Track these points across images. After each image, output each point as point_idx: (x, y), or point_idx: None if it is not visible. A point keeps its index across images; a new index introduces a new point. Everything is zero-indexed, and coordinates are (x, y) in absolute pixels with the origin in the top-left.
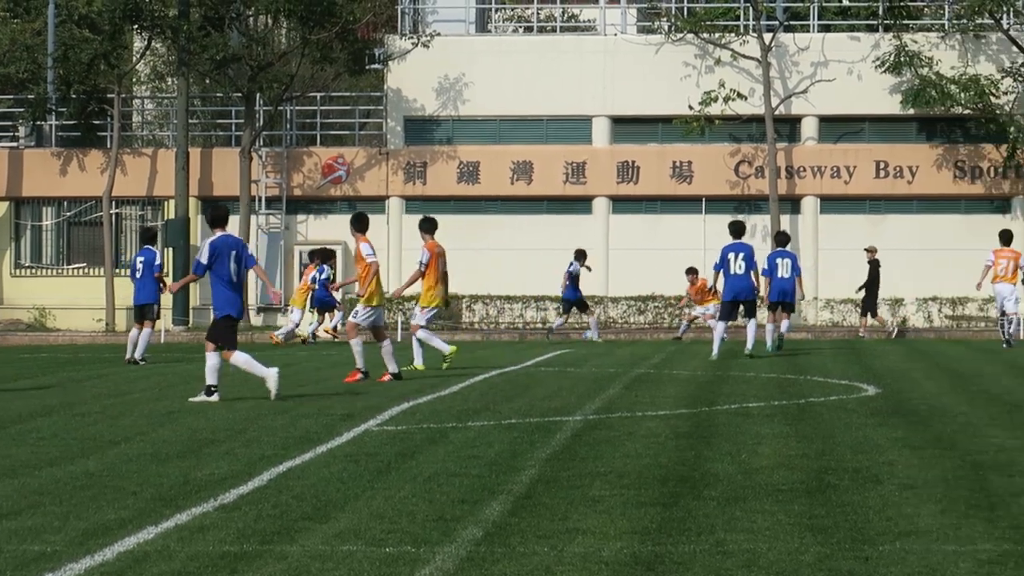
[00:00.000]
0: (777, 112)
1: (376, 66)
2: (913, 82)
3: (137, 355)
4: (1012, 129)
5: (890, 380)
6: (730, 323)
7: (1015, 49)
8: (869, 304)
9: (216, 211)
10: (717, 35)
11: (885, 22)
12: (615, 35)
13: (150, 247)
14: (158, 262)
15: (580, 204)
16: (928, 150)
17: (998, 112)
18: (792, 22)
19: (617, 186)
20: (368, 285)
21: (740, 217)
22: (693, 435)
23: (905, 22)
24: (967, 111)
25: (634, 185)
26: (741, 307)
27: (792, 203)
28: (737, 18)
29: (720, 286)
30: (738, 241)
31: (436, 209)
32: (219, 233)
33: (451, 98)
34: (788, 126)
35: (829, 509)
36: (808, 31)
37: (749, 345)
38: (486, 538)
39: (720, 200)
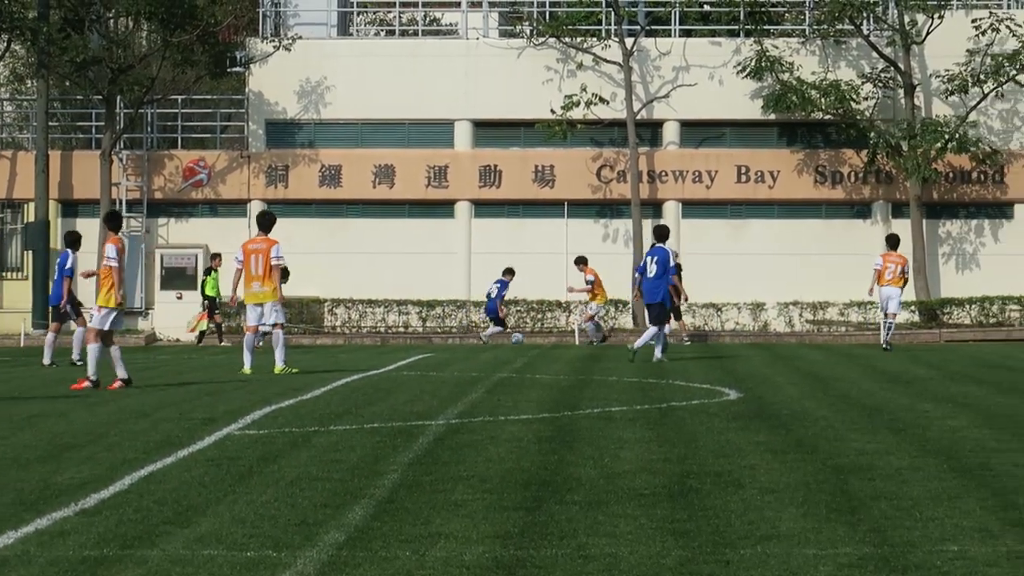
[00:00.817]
0: (639, 117)
1: (237, 69)
2: (774, 87)
3: (74, 356)
4: (872, 135)
5: (752, 384)
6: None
7: (875, 55)
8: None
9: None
10: (579, 39)
11: (746, 27)
12: (477, 39)
13: (68, 250)
14: (69, 265)
15: (442, 208)
16: (789, 155)
17: (858, 118)
18: (654, 27)
19: (479, 190)
20: (106, 287)
21: (602, 221)
22: (556, 439)
23: (766, 27)
24: (828, 116)
25: (496, 189)
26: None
27: (654, 207)
28: (599, 22)
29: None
30: (659, 245)
31: (298, 212)
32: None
33: (313, 101)
34: (650, 131)
35: (691, 513)
36: (670, 36)
37: (636, 345)
38: (348, 542)
39: (582, 204)
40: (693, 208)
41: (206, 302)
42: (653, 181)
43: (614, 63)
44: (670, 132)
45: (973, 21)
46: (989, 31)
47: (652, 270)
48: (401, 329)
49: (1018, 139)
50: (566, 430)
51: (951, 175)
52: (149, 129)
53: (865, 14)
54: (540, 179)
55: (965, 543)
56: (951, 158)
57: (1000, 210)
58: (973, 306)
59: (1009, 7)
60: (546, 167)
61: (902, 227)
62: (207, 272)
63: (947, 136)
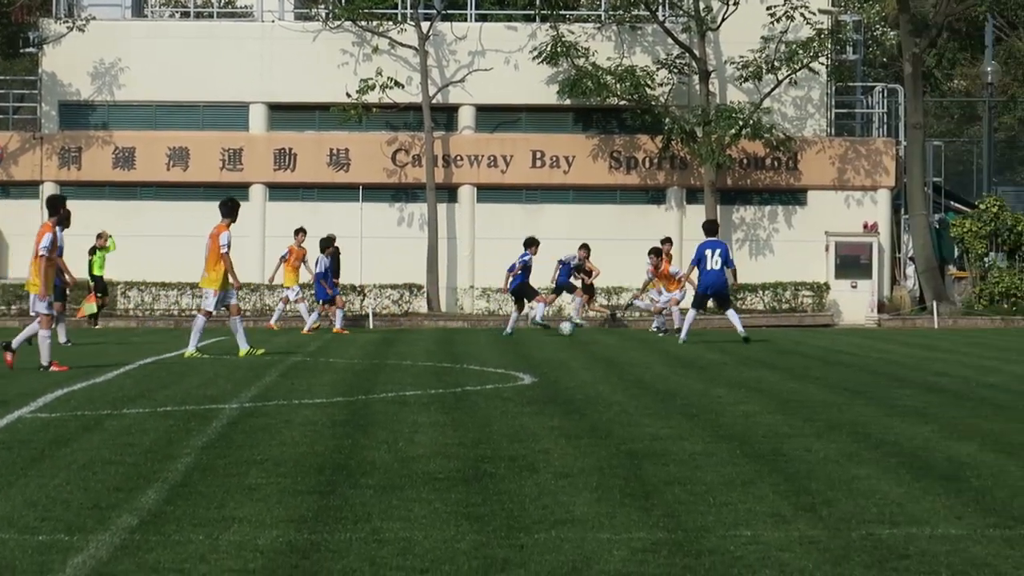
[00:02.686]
0: (434, 101)
1: (30, 50)
2: (570, 72)
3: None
4: (667, 120)
5: (546, 369)
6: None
7: (670, 41)
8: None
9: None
10: (375, 23)
11: (542, 12)
12: (272, 21)
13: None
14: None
15: (237, 191)
16: (584, 140)
17: (653, 103)
18: (450, 11)
19: (274, 173)
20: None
21: (397, 205)
22: (350, 423)
23: (562, 12)
24: (623, 102)
25: (291, 172)
26: (711, 300)
27: (449, 192)
28: (395, 6)
29: (694, 279)
30: (713, 238)
31: (92, 195)
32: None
33: (107, 83)
34: (446, 115)
35: (485, 497)
36: (466, 20)
37: (740, 330)
38: (141, 526)
39: (377, 188)
40: (488, 192)
41: (93, 283)
42: (448, 165)
43: (410, 47)
44: (466, 116)
45: (768, 8)
46: (783, 18)
47: (716, 262)
48: (195, 312)
49: (811, 126)
50: (360, 414)
51: (745, 161)
52: None
53: (661, 0)
54: (335, 163)
55: (758, 528)
56: (745, 144)
57: (793, 196)
58: (767, 292)
59: None
60: (341, 151)
61: (696, 213)
62: (92, 251)
63: (741, 123)
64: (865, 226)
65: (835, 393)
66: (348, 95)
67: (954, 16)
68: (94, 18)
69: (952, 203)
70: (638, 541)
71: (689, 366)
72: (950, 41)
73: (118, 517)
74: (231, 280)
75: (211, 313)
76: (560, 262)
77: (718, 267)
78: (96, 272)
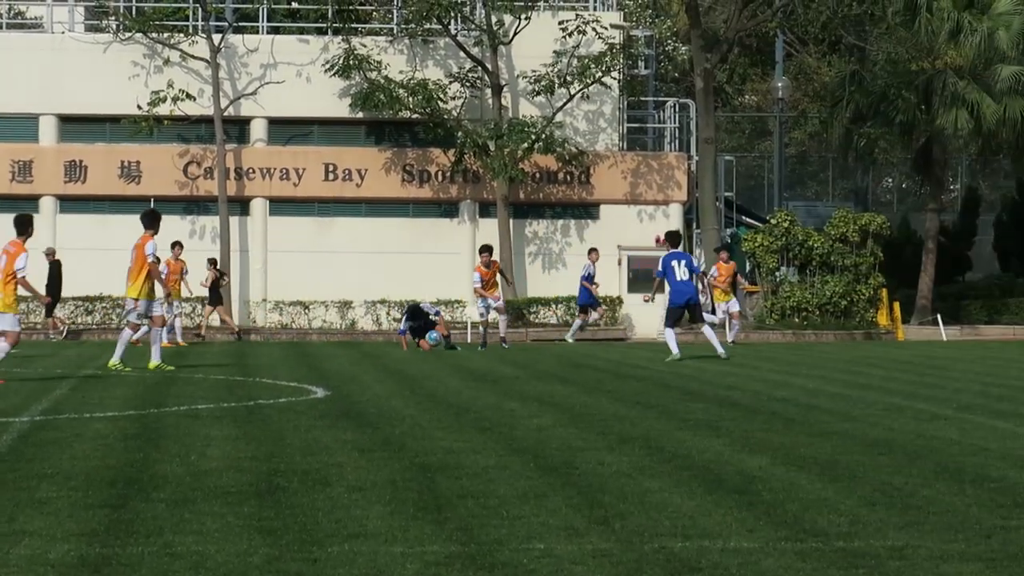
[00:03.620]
0: (226, 113)
1: None
2: (362, 86)
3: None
4: (460, 134)
5: (339, 383)
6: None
7: (463, 55)
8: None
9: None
10: (166, 35)
11: (334, 25)
12: (63, 32)
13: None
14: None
15: (27, 204)
16: (377, 154)
17: (446, 117)
18: (242, 23)
19: (64, 185)
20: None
21: (190, 218)
22: (142, 436)
23: (354, 26)
24: (415, 115)
25: (82, 184)
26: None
27: (242, 204)
28: (187, 18)
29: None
30: (677, 250)
31: None
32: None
33: None
34: (238, 128)
35: (278, 511)
36: (258, 32)
37: (720, 349)
38: None
39: (170, 200)
40: (280, 205)
41: None
42: (240, 178)
43: (201, 59)
44: (258, 129)
45: (560, 23)
46: (576, 33)
47: (682, 274)
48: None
49: (604, 140)
50: (152, 427)
51: (538, 175)
52: None
53: (453, 14)
54: (127, 175)
55: (551, 541)
56: (538, 158)
57: (586, 210)
58: (559, 305)
59: (596, 9)
60: (133, 163)
61: (489, 226)
62: None
63: (534, 136)
64: (657, 240)
65: (627, 406)
66: (139, 107)
67: (745, 32)
68: None
69: (744, 217)
70: (431, 554)
71: (482, 379)
72: (741, 56)
73: None
74: (157, 290)
75: (138, 326)
76: (584, 279)
77: (687, 277)
78: None
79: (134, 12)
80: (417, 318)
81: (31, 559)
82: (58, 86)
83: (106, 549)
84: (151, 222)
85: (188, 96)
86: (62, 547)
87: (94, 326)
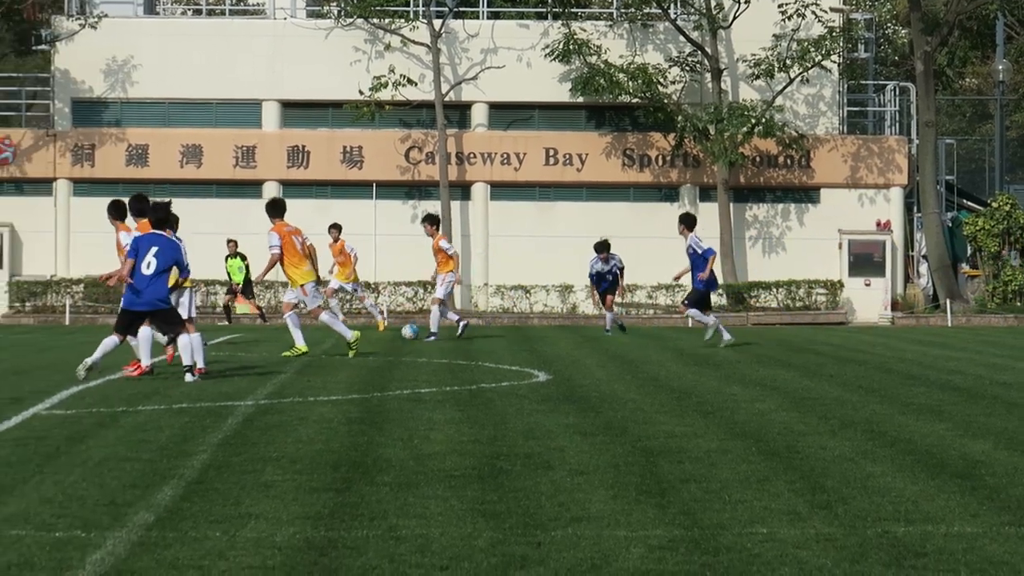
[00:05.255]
0: (447, 98)
1: (43, 47)
2: (582, 70)
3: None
4: (680, 118)
5: (560, 367)
6: None
7: (682, 39)
8: None
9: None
10: (387, 20)
11: (554, 10)
12: (284, 19)
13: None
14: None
15: (250, 188)
16: (597, 138)
17: (666, 101)
18: (462, 8)
19: (287, 170)
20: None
21: (411, 203)
22: (365, 420)
23: (574, 10)
24: (635, 100)
25: (304, 169)
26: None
27: (463, 189)
28: (407, 3)
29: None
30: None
31: (105, 192)
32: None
33: (119, 80)
34: (458, 112)
35: (501, 495)
36: (478, 18)
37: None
38: (158, 523)
39: (391, 185)
40: (501, 190)
41: (237, 286)
42: (461, 163)
43: (422, 44)
44: (478, 114)
45: (780, 6)
46: (795, 16)
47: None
48: (209, 309)
49: (824, 124)
50: (375, 411)
51: (758, 159)
52: None
53: None
54: (348, 160)
55: (774, 525)
56: (757, 142)
57: (806, 194)
58: (780, 289)
59: None
60: (354, 148)
61: (709, 211)
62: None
63: (753, 120)
64: (878, 224)
65: (849, 391)
66: (361, 92)
67: (965, 14)
68: (106, 15)
69: (964, 201)
70: (655, 538)
71: (703, 364)
72: (961, 39)
73: (135, 514)
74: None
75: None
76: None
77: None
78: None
79: None
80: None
81: (257, 542)
82: (281, 72)
83: (331, 532)
84: (278, 211)
85: (409, 81)
86: (288, 530)
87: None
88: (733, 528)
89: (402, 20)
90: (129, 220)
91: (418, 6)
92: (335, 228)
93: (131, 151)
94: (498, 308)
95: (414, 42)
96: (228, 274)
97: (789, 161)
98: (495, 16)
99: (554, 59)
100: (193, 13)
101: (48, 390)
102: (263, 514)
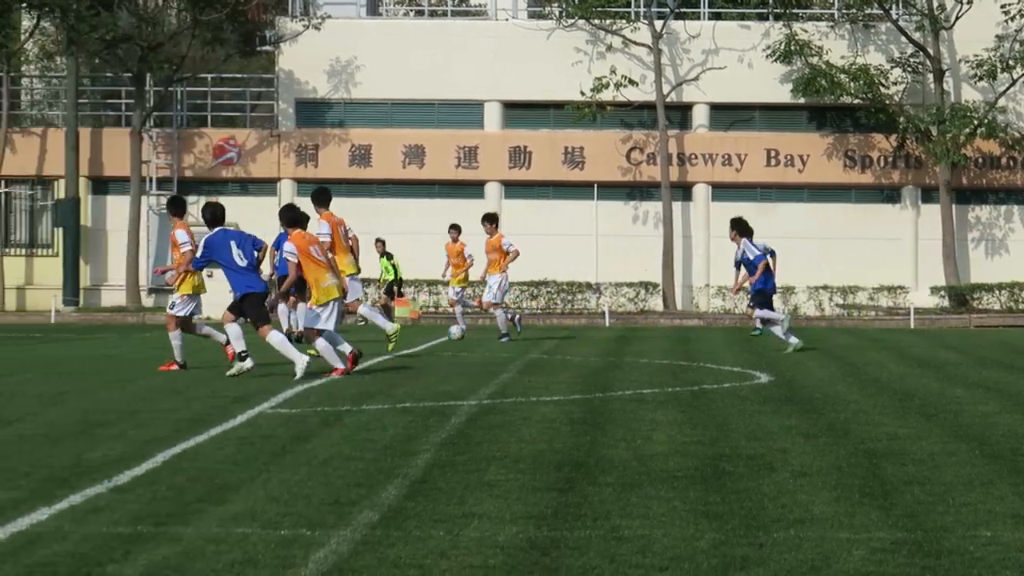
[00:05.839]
0: (668, 99)
1: (267, 48)
2: (803, 71)
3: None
4: (901, 119)
5: (783, 368)
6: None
7: (904, 40)
8: None
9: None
10: (608, 21)
11: (775, 11)
12: (506, 20)
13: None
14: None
15: (472, 188)
16: (818, 139)
17: (888, 102)
18: (683, 9)
19: (509, 171)
20: (182, 274)
21: (632, 203)
22: (587, 421)
23: (795, 11)
24: (857, 101)
25: (526, 170)
26: None
27: (684, 190)
28: (628, 4)
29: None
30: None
31: None
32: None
33: (343, 81)
34: (679, 113)
35: (724, 496)
36: (699, 19)
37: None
38: (382, 522)
39: (612, 186)
40: (723, 191)
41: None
42: (683, 164)
43: (644, 45)
44: (699, 115)
45: (1002, 7)
46: (1018, 16)
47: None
48: (432, 309)
49: None
50: (598, 411)
51: (980, 160)
52: (179, 107)
53: None
54: (570, 161)
55: (998, 529)
56: (980, 143)
57: None
58: (1003, 292)
59: None
60: (576, 148)
61: (931, 212)
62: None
63: (976, 121)
64: None
65: None
66: (582, 93)
67: None
68: (330, 16)
69: None
70: (877, 541)
71: (925, 365)
72: None
73: (359, 513)
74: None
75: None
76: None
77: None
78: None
79: None
80: None
81: (480, 541)
82: (502, 73)
83: (554, 532)
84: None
85: (630, 82)
86: (511, 529)
87: (539, 311)
88: (956, 531)
89: (623, 21)
90: (187, 218)
91: (639, 7)
92: (454, 228)
93: (354, 151)
94: (719, 309)
95: (635, 43)
96: (384, 274)
97: (1012, 162)
98: (716, 17)
99: (775, 60)
100: (415, 14)
101: (273, 389)
102: (486, 513)
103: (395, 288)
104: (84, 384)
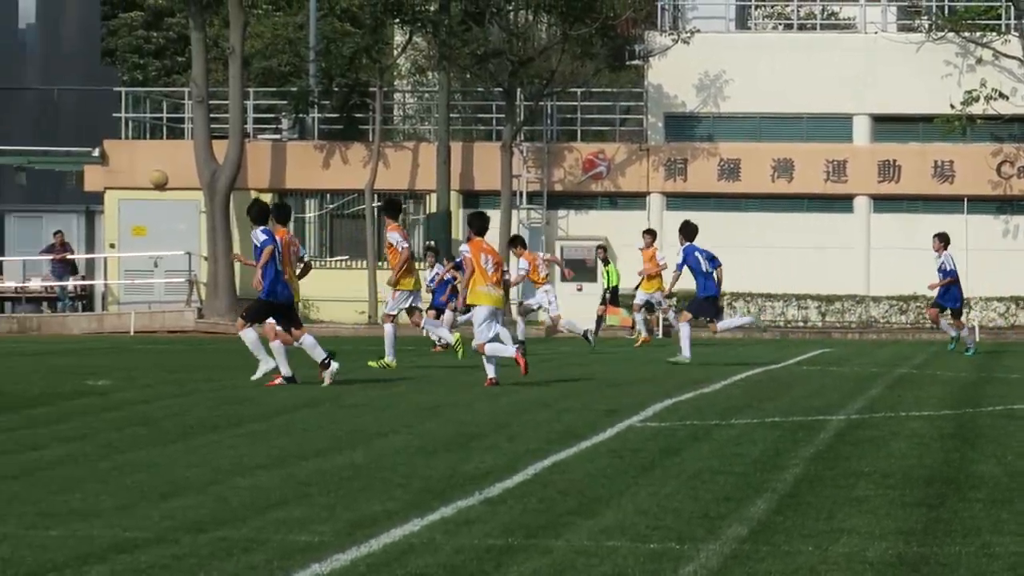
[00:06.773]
0: None
1: (636, 62)
2: None
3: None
4: None
5: None
6: None
7: None
8: None
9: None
10: (978, 34)
11: None
12: (875, 33)
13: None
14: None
15: (840, 203)
16: None
17: None
18: None
19: (878, 185)
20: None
21: (1003, 217)
22: (958, 436)
23: None
24: None
25: (895, 184)
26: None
27: None
28: (998, 17)
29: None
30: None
31: (697, 206)
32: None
33: (711, 95)
34: None
35: None
36: None
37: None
38: (751, 536)
39: (982, 200)
40: None
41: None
42: None
43: (1014, 58)
44: None
45: None
46: None
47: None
48: (800, 323)
49: None
50: (968, 427)
51: None
52: (549, 121)
53: None
54: (939, 174)
55: None
56: None
57: None
58: None
59: None
60: (945, 162)
61: None
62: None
63: None
64: None
65: None
66: (952, 106)
67: None
68: (698, 31)
69: None
70: None
71: None
72: None
73: (727, 527)
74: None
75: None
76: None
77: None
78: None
79: (946, 11)
80: None
81: (849, 556)
82: (871, 86)
83: (923, 548)
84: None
85: (1001, 95)
86: (880, 545)
87: (908, 325)
88: None
89: (993, 33)
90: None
91: (1009, 19)
92: (648, 234)
93: (723, 165)
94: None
95: (1006, 55)
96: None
97: None
98: None
99: None
100: (784, 28)
101: (643, 403)
102: (855, 529)
103: (607, 295)
104: (457, 397)
